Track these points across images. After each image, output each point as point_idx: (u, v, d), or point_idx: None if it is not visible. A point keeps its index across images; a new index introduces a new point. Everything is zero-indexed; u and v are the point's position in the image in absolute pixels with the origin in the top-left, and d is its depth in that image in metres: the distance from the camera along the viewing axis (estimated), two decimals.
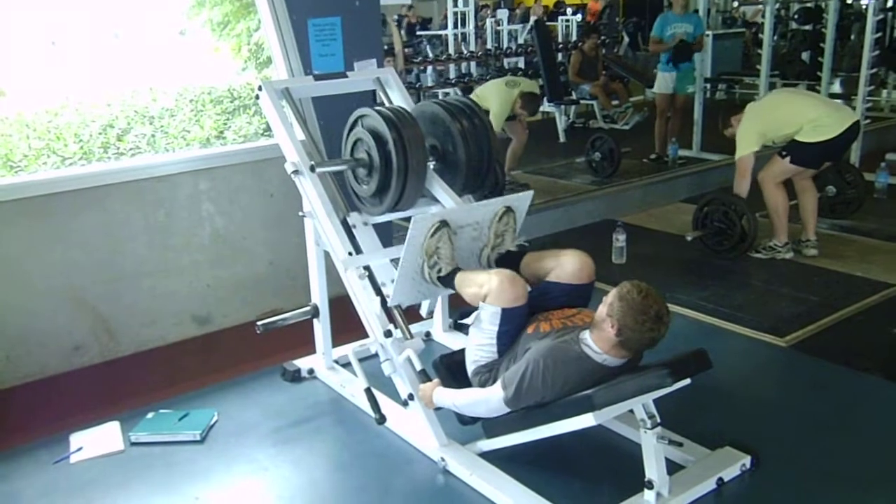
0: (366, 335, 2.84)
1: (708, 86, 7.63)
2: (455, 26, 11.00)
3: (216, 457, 2.77)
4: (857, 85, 6.22)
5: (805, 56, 10.09)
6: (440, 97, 8.52)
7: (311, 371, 3.32)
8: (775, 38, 9.00)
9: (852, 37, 10.17)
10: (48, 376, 3.34)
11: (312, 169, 2.91)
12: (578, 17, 11.96)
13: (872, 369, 3.21)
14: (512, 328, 2.54)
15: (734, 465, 2.48)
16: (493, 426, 2.55)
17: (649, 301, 2.23)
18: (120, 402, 3.12)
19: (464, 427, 2.66)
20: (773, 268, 4.44)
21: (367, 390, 2.73)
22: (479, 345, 2.59)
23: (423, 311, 3.07)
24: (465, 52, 10.24)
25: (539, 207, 5.52)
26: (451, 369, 2.72)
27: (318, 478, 2.70)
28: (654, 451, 2.25)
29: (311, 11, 3.65)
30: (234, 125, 4.67)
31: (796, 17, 10.48)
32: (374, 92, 3.42)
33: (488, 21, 11.71)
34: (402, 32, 14.20)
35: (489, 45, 11.02)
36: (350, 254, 2.82)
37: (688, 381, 2.20)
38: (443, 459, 2.59)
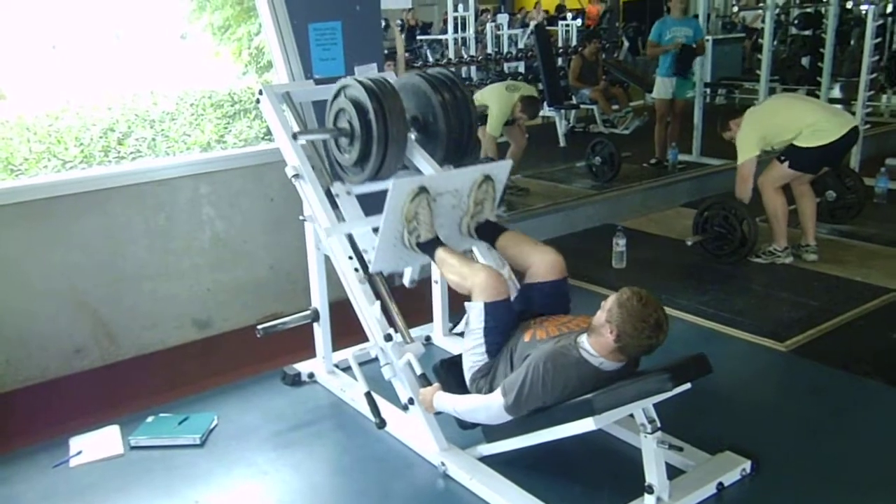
0: (366, 339, 2.84)
1: (708, 91, 7.65)
2: (455, 31, 11.03)
3: (216, 461, 2.77)
4: (857, 90, 6.23)
5: (805, 61, 10.12)
6: None
7: (311, 375, 3.32)
8: (775, 42, 9.01)
9: (852, 42, 10.21)
10: (48, 379, 3.34)
11: (295, 137, 3.00)
12: (578, 21, 11.99)
13: (872, 374, 3.21)
14: (498, 325, 2.56)
15: (734, 469, 2.48)
16: (493, 430, 2.55)
17: (649, 309, 2.24)
18: (120, 405, 3.12)
19: (464, 431, 2.66)
20: (773, 272, 4.44)
21: (368, 394, 2.73)
22: (471, 349, 2.62)
23: (406, 281, 3.08)
24: (466, 56, 10.27)
25: (539, 212, 5.54)
26: (452, 374, 2.72)
27: (318, 482, 2.69)
28: (654, 456, 2.25)
29: (312, 16, 3.66)
30: (235, 129, 4.67)
31: (796, 22, 10.52)
32: None
33: (488, 25, 11.74)
34: (403, 37, 14.23)
35: (489, 50, 11.05)
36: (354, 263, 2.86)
37: (688, 385, 2.20)
38: (443, 464, 2.59)
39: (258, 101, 3.14)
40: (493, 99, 6.02)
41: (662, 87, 6.84)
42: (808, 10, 9.99)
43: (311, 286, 3.24)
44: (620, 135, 8.30)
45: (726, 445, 2.57)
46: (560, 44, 10.94)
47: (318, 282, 3.21)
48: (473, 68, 10.04)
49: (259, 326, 3.14)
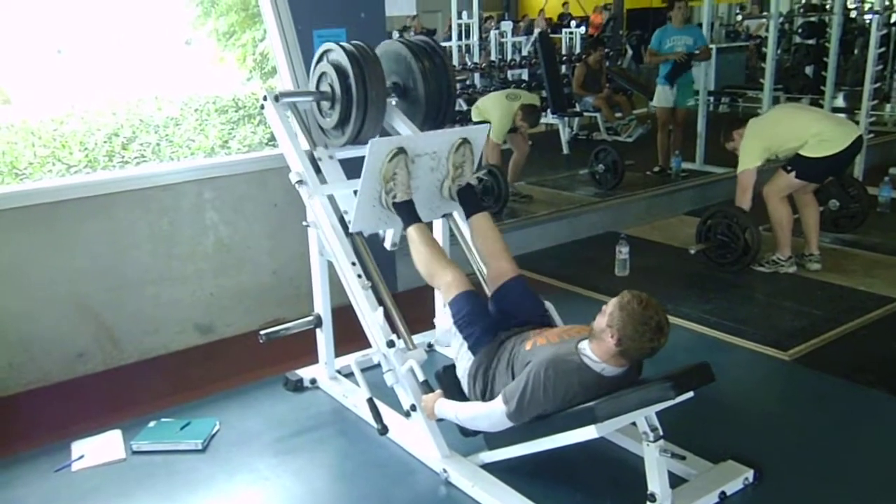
0: (368, 345, 2.84)
1: (711, 99, 7.65)
2: (459, 38, 11.04)
3: (218, 466, 2.76)
4: (861, 99, 6.23)
5: (808, 70, 10.13)
6: None
7: (313, 381, 3.32)
8: (779, 52, 9.02)
9: (856, 51, 10.22)
10: (51, 383, 3.35)
11: (277, 99, 3.06)
12: (582, 29, 11.99)
13: (876, 384, 3.20)
14: (467, 314, 2.63)
15: (737, 478, 2.47)
16: (495, 437, 2.55)
17: (650, 311, 2.23)
18: (122, 410, 3.12)
19: (466, 438, 2.65)
20: (776, 282, 4.44)
21: (370, 401, 2.73)
22: (458, 355, 2.67)
23: (387, 244, 3.10)
24: (469, 63, 10.27)
25: (542, 219, 5.54)
26: (454, 380, 2.72)
27: (320, 488, 2.69)
28: (656, 465, 2.24)
29: (317, 22, 3.67)
30: (239, 135, 4.69)
31: (800, 31, 10.53)
32: None
33: (492, 33, 11.76)
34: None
35: (493, 57, 11.06)
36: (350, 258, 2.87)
37: (691, 394, 2.19)
38: (445, 471, 2.58)
39: (262, 107, 3.15)
40: (494, 108, 6.04)
41: (663, 95, 6.85)
42: (812, 19, 10.01)
43: (314, 292, 3.24)
44: (624, 142, 8.30)
45: (729, 454, 2.56)
46: (564, 51, 10.96)
47: (321, 287, 3.21)
48: (477, 75, 10.04)
49: (262, 332, 3.14)
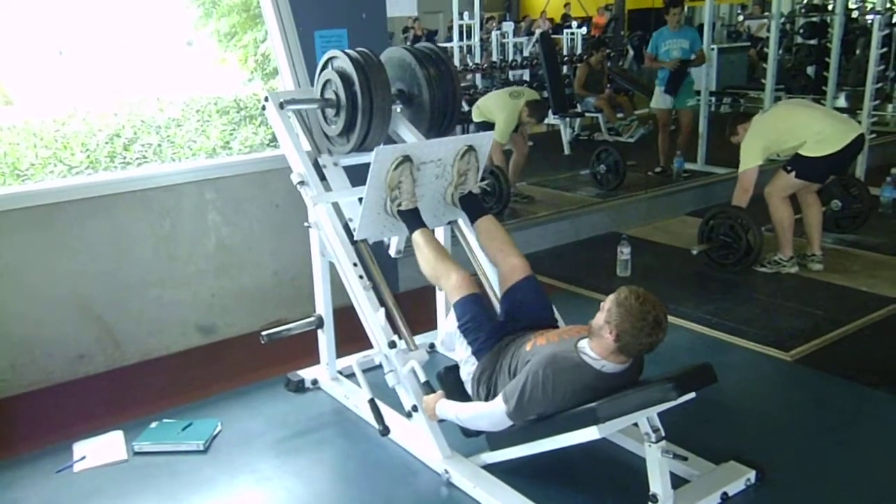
0: (370, 346, 2.83)
1: (713, 99, 7.64)
2: (461, 38, 11.04)
3: (219, 467, 2.76)
4: (863, 99, 6.23)
5: (810, 70, 10.11)
6: None
7: (314, 381, 3.32)
8: (780, 52, 9.01)
9: (857, 51, 10.20)
10: (53, 384, 3.35)
11: (282, 106, 3.05)
12: (584, 30, 12.00)
13: (878, 384, 3.19)
14: (472, 318, 2.62)
15: (739, 479, 2.46)
16: (496, 438, 2.55)
17: (647, 306, 2.23)
18: (124, 411, 3.12)
19: (467, 439, 2.65)
20: (778, 282, 4.43)
21: (371, 401, 2.73)
22: (462, 358, 2.66)
23: (392, 251, 3.10)
24: (471, 64, 10.27)
25: (543, 220, 5.53)
26: (455, 381, 2.71)
27: (322, 489, 2.69)
28: (658, 465, 2.24)
29: (318, 23, 3.67)
30: (240, 135, 4.69)
31: (801, 31, 10.51)
32: None
33: (494, 33, 11.77)
34: (408, 44, 14.26)
35: (494, 58, 11.07)
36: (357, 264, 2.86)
37: (692, 394, 2.19)
38: (446, 471, 2.58)
39: (264, 107, 3.15)
40: (499, 107, 6.01)
41: (661, 97, 6.85)
42: (814, 19, 9.99)
43: (316, 293, 3.24)
44: (625, 143, 8.31)
45: (731, 455, 2.56)
46: (565, 52, 10.96)
47: (323, 288, 3.21)
48: (479, 76, 10.05)
49: (263, 333, 3.14)
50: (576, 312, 2.95)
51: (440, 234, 3.34)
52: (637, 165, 6.70)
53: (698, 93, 7.16)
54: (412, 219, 2.83)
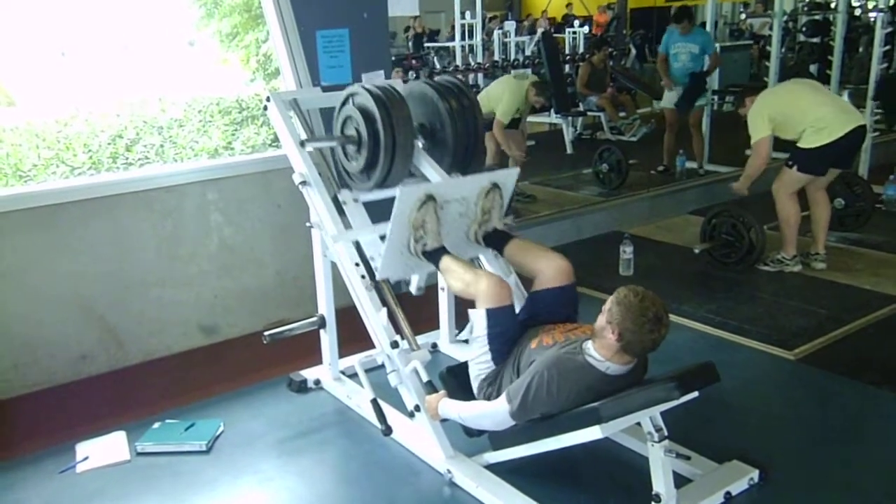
0: (372, 346, 2.83)
1: (715, 98, 7.62)
2: (463, 38, 11.04)
3: (222, 467, 2.76)
4: (866, 97, 6.21)
5: (813, 68, 10.09)
6: None
7: (317, 382, 3.32)
8: (783, 50, 9.00)
9: (860, 49, 10.18)
10: (55, 385, 3.35)
11: (303, 144, 2.99)
12: (585, 29, 11.98)
13: (881, 383, 3.18)
14: (502, 331, 2.56)
15: (742, 478, 2.46)
16: (499, 438, 2.55)
17: (647, 303, 2.23)
18: (126, 411, 3.12)
19: (470, 439, 2.65)
20: (781, 280, 4.42)
21: (374, 401, 2.73)
22: (476, 357, 2.62)
23: (413, 289, 3.08)
24: (473, 63, 10.27)
25: (546, 219, 5.53)
26: (458, 381, 2.71)
27: (324, 489, 2.69)
28: (661, 465, 2.23)
29: (320, 23, 3.67)
30: (243, 136, 4.70)
31: (804, 29, 10.50)
32: None
33: (496, 33, 11.76)
34: (410, 44, 14.27)
35: (496, 57, 11.07)
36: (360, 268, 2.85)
37: (695, 394, 2.19)
38: (449, 471, 2.58)
39: (266, 107, 3.15)
40: (504, 89, 6.03)
41: (671, 96, 6.83)
42: (817, 17, 9.98)
43: (318, 293, 3.24)
44: (628, 142, 8.29)
45: (734, 454, 2.56)
46: (567, 51, 10.95)
47: (325, 288, 3.21)
48: (481, 75, 10.05)
49: (265, 333, 3.14)
50: (578, 311, 2.94)
51: None
52: (639, 164, 6.69)
53: (709, 92, 7.12)
54: (438, 255, 2.73)
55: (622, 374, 2.32)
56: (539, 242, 2.90)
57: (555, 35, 11.32)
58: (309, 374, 3.34)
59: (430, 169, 3.09)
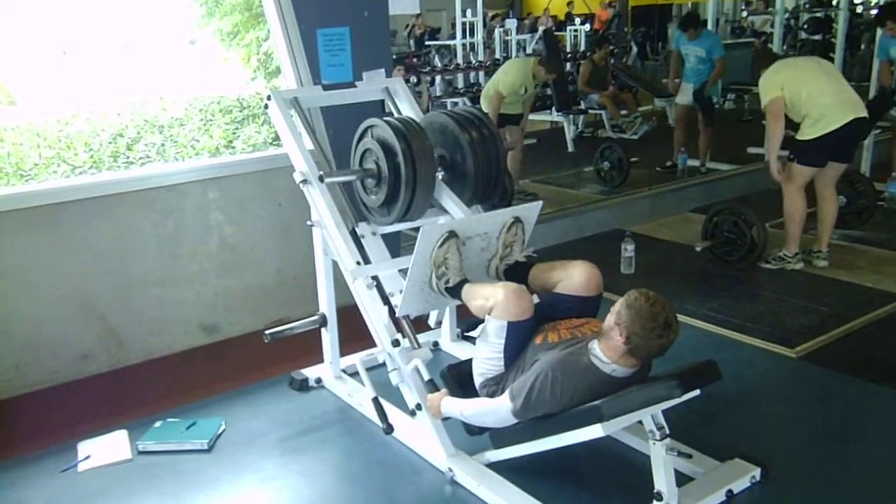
0: (374, 344, 2.83)
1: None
2: (464, 36, 11.02)
3: (224, 466, 2.76)
4: (867, 95, 6.20)
5: None
6: (448, 107, 8.54)
7: (318, 380, 3.32)
8: (785, 47, 8.98)
9: (862, 47, 10.16)
10: (57, 384, 3.35)
11: (321, 179, 2.91)
12: (587, 27, 11.96)
13: (884, 381, 3.18)
14: (518, 341, 2.53)
15: (744, 477, 2.46)
16: (500, 436, 2.54)
17: (657, 308, 2.22)
18: (128, 410, 3.12)
19: (471, 437, 2.65)
20: (782, 278, 4.42)
21: (375, 400, 2.73)
22: (485, 358, 2.59)
23: (432, 322, 3.06)
24: (474, 61, 10.26)
25: (547, 217, 5.51)
26: (459, 379, 2.71)
27: (326, 487, 2.69)
28: (663, 463, 2.23)
29: (320, 21, 3.66)
30: (243, 134, 4.70)
31: (806, 26, 10.48)
32: (382, 101, 3.43)
33: (497, 31, 11.74)
34: (411, 42, 14.26)
35: (498, 55, 11.04)
36: (358, 263, 2.82)
37: (697, 392, 2.18)
38: (450, 470, 2.58)
39: (266, 106, 3.14)
40: (511, 67, 6.13)
41: (685, 92, 6.82)
42: (818, 14, 9.95)
43: (319, 291, 3.24)
44: (629, 140, 8.29)
45: (736, 452, 2.56)
46: (568, 49, 10.94)
47: (326, 287, 3.21)
48: (482, 73, 10.04)
49: (267, 331, 3.14)
50: None
51: None
52: (641, 162, 6.68)
53: (721, 88, 7.09)
54: (459, 288, 2.65)
55: (627, 377, 2.32)
56: (562, 260, 2.78)
57: (556, 33, 11.30)
58: (310, 372, 3.34)
59: (450, 202, 3.00)
